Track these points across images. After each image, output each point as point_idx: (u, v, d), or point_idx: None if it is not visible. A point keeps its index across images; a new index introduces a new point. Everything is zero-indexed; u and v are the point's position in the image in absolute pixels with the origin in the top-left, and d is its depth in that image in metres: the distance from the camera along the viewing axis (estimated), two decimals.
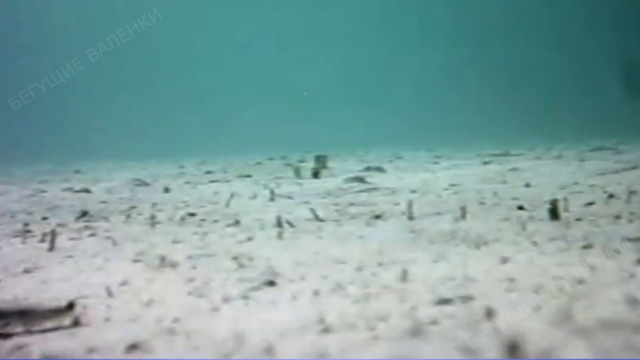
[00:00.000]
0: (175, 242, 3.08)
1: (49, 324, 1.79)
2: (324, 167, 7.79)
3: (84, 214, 4.27)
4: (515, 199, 4.30)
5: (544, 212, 3.44)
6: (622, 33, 24.01)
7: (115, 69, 29.30)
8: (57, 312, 1.82)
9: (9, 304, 1.87)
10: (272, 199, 4.94)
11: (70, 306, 1.83)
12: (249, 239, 3.08)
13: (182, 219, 3.93)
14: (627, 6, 24.82)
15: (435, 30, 29.08)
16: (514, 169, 6.64)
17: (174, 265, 2.50)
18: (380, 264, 2.35)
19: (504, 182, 5.58)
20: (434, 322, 1.62)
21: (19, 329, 1.75)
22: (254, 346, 1.53)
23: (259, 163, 10.82)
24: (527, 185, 5.17)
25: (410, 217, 3.57)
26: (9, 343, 1.67)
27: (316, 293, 1.98)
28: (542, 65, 26.34)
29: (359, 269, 2.30)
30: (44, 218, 4.23)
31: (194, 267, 2.46)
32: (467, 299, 1.82)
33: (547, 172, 6.20)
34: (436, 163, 8.63)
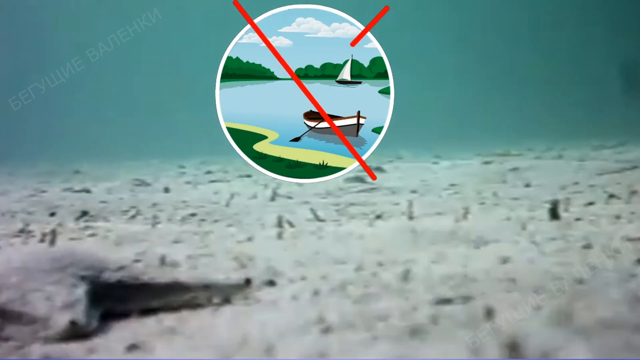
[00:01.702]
0: (175, 242, 3.08)
1: (227, 298, 1.90)
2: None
3: (84, 214, 4.27)
4: (515, 199, 4.30)
5: (544, 212, 3.44)
6: (622, 33, 24.02)
7: (115, 69, 29.31)
8: (236, 287, 1.93)
9: (195, 278, 1.95)
10: (272, 199, 4.94)
11: (248, 282, 1.94)
12: (249, 239, 3.08)
13: (182, 219, 3.93)
14: (627, 6, 24.83)
15: (436, 29, 29.11)
16: (514, 169, 6.64)
17: (174, 265, 2.50)
18: (380, 264, 2.35)
19: (504, 182, 5.58)
20: (434, 322, 1.62)
21: (203, 302, 1.88)
22: (254, 346, 1.53)
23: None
24: (527, 185, 5.17)
25: (411, 217, 3.57)
26: (7, 343, 1.67)
27: (316, 293, 1.98)
28: (542, 65, 26.34)
29: (359, 269, 2.30)
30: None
31: (194, 267, 2.46)
32: (467, 299, 1.82)
33: (547, 172, 6.20)
34: (436, 163, 8.63)
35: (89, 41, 29.79)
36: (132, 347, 1.58)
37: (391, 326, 1.61)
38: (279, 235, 3.12)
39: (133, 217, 4.13)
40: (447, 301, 1.81)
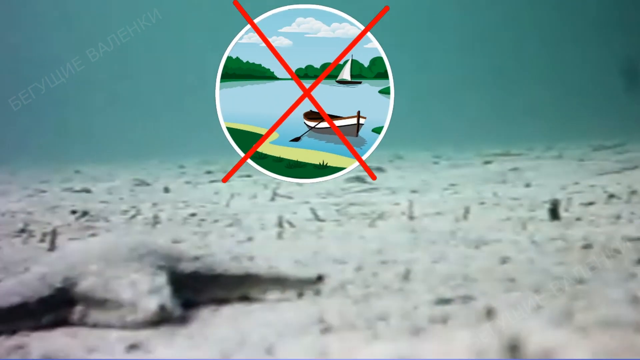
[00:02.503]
0: (175, 242, 3.08)
1: (297, 293, 1.93)
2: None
3: (84, 214, 4.27)
4: (515, 199, 4.30)
5: (544, 212, 3.44)
6: (622, 32, 24.02)
7: (115, 69, 29.30)
8: (308, 282, 1.95)
9: (268, 272, 1.99)
10: (272, 199, 4.94)
11: (320, 278, 1.96)
12: (249, 239, 3.07)
13: (182, 219, 3.93)
14: (627, 6, 24.83)
15: (435, 28, 29.11)
16: (514, 169, 6.64)
17: None
18: (380, 264, 2.35)
19: (504, 182, 5.58)
20: (434, 322, 1.62)
21: (274, 295, 1.92)
22: (254, 346, 1.53)
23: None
24: (527, 185, 5.17)
25: (411, 217, 3.57)
26: (7, 343, 1.67)
27: (316, 293, 1.98)
28: (543, 65, 26.34)
29: (359, 269, 2.30)
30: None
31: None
32: (467, 298, 1.82)
33: (547, 172, 6.20)
34: (436, 163, 8.63)
35: (89, 41, 29.77)
36: (132, 347, 1.58)
37: (391, 326, 1.61)
38: (279, 235, 3.12)
39: (133, 217, 4.13)
40: (447, 301, 1.81)
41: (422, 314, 1.70)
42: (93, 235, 3.41)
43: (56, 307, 1.78)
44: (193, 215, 4.10)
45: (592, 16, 26.08)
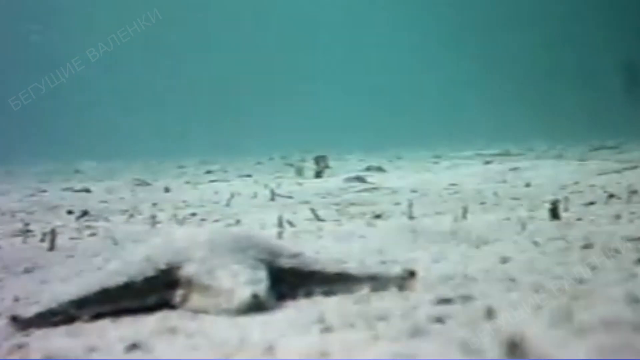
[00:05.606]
0: None
1: (391, 289, 1.94)
2: (327, 166, 7.71)
3: (84, 213, 4.27)
4: (515, 198, 4.30)
5: (544, 212, 3.44)
6: (623, 33, 24.02)
7: (115, 69, 29.30)
8: (400, 278, 1.97)
9: (358, 269, 2.03)
10: (272, 199, 4.94)
11: (412, 274, 1.98)
12: None
13: (183, 218, 3.93)
14: (627, 6, 24.83)
15: (435, 29, 29.11)
16: (514, 169, 6.64)
17: None
18: (380, 264, 2.35)
19: (504, 182, 5.59)
20: (434, 322, 1.62)
21: (366, 290, 1.92)
22: (254, 346, 1.53)
23: (259, 163, 10.84)
24: (527, 185, 5.17)
25: (411, 217, 3.57)
26: (8, 343, 1.67)
27: (316, 293, 1.98)
28: (543, 65, 26.35)
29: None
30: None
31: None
32: (467, 298, 1.82)
33: (547, 172, 6.20)
34: (436, 163, 8.63)
35: (89, 41, 29.77)
36: (132, 347, 1.58)
37: (391, 326, 1.61)
38: (279, 235, 3.12)
39: (133, 216, 4.13)
40: (447, 301, 1.80)
41: (422, 313, 1.70)
42: (93, 234, 3.41)
43: (160, 289, 1.83)
44: (193, 215, 4.10)
45: (592, 17, 26.09)
